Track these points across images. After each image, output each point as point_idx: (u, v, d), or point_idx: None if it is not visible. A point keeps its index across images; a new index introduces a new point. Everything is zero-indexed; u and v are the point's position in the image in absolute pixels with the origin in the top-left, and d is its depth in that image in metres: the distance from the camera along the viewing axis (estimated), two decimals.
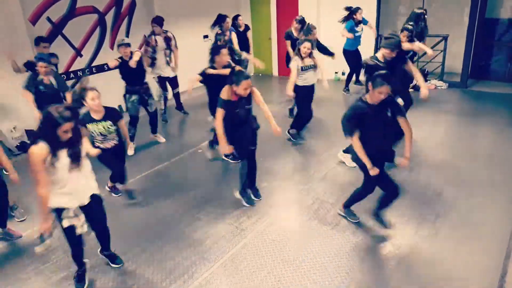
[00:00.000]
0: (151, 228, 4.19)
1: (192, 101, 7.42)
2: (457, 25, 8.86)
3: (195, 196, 4.76)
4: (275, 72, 10.63)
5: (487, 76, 8.78)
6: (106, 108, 4.15)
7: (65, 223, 3.01)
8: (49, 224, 2.91)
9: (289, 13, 9.19)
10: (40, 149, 2.69)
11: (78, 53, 7.24)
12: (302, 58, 5.62)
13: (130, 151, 5.89)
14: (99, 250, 3.62)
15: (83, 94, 3.96)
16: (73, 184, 2.94)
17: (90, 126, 4.07)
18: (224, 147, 4.11)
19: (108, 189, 4.86)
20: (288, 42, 7.43)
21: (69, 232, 3.07)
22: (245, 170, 4.40)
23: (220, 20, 7.18)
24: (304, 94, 5.83)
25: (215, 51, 5.06)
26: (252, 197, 4.62)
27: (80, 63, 7.30)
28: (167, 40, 6.90)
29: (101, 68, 7.55)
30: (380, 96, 3.28)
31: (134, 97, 5.89)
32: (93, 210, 3.18)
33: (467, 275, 3.29)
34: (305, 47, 5.57)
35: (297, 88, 5.67)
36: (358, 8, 7.68)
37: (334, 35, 8.07)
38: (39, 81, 5.22)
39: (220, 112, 4.03)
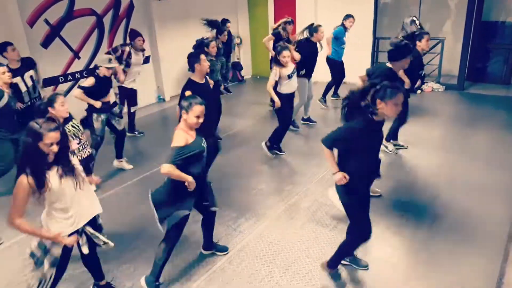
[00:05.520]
0: (148, 230, 4.17)
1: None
2: (454, 28, 8.92)
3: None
4: None
5: (484, 78, 8.82)
6: None
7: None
8: (72, 239, 2.74)
9: (287, 15, 9.21)
10: (29, 181, 2.49)
11: (76, 55, 7.24)
12: (283, 67, 5.35)
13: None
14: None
15: (52, 99, 3.61)
16: (76, 207, 2.74)
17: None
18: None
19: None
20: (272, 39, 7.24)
21: (65, 252, 2.81)
22: (166, 254, 3.27)
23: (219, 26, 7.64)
24: (291, 102, 5.65)
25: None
26: (216, 252, 3.80)
27: (77, 66, 7.29)
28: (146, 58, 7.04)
29: None
30: (398, 108, 2.85)
31: (103, 116, 5.15)
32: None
33: (465, 277, 3.30)
34: (284, 56, 5.29)
35: (284, 98, 5.45)
36: (349, 16, 7.34)
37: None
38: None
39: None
